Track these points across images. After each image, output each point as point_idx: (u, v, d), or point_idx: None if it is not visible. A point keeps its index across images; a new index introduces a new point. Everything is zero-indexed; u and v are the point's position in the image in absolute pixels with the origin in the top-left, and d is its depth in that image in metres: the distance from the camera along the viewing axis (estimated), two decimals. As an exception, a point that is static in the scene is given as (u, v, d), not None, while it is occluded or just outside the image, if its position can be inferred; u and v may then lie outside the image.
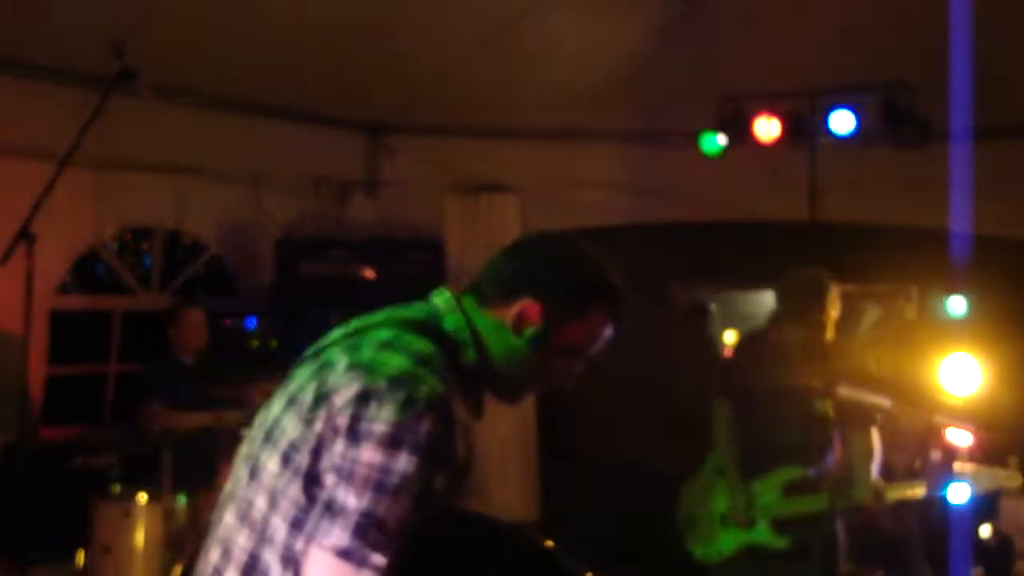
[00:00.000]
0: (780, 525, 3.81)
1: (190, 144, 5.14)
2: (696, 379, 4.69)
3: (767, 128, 5.02)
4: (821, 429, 3.76)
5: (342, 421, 1.43)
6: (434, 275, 5.43)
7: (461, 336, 1.62)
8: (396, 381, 1.45)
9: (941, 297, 5.80)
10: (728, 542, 3.93)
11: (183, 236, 6.04)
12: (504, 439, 5.99)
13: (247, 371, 4.38)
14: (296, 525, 1.41)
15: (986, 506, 4.56)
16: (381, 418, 1.42)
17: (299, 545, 1.41)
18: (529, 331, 1.64)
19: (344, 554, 1.36)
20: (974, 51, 3.94)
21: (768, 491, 3.82)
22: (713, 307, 8.75)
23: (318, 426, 1.44)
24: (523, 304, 1.63)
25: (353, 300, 5.22)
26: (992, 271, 5.38)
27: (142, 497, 4.10)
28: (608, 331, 1.72)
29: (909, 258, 6.11)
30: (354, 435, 1.42)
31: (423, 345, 1.54)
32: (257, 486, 1.47)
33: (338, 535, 1.37)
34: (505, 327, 1.64)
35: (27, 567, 3.87)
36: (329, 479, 1.41)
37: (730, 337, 6.51)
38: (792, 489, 3.78)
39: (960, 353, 4.32)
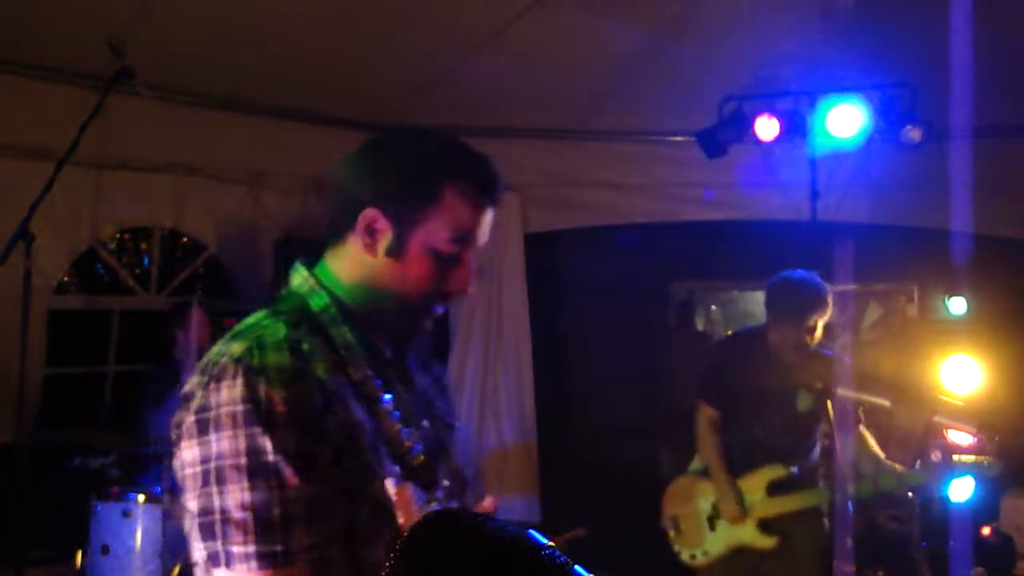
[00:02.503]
0: (765, 524, 3.80)
1: (189, 144, 5.12)
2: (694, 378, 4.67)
3: (767, 128, 5.01)
4: (807, 428, 3.77)
5: (175, 436, 1.40)
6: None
7: (303, 288, 1.50)
8: (203, 371, 1.39)
9: (941, 297, 5.80)
10: (715, 543, 3.92)
11: (182, 236, 6.03)
12: (504, 439, 5.99)
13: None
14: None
15: (987, 506, 4.56)
16: (190, 412, 1.36)
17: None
18: (382, 245, 1.46)
19: (211, 561, 1.31)
20: (974, 51, 3.94)
21: (752, 490, 3.82)
22: (713, 308, 8.76)
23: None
24: (365, 217, 1.45)
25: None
26: (992, 271, 5.37)
27: (141, 498, 4.09)
28: (479, 215, 1.47)
29: (909, 258, 6.12)
30: (178, 442, 1.39)
31: (245, 322, 1.44)
32: None
33: (197, 547, 1.33)
34: (361, 254, 1.47)
35: (25, 567, 3.85)
36: (181, 501, 1.38)
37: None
38: (776, 488, 3.77)
39: (960, 353, 4.32)
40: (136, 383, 4.79)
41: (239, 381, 1.32)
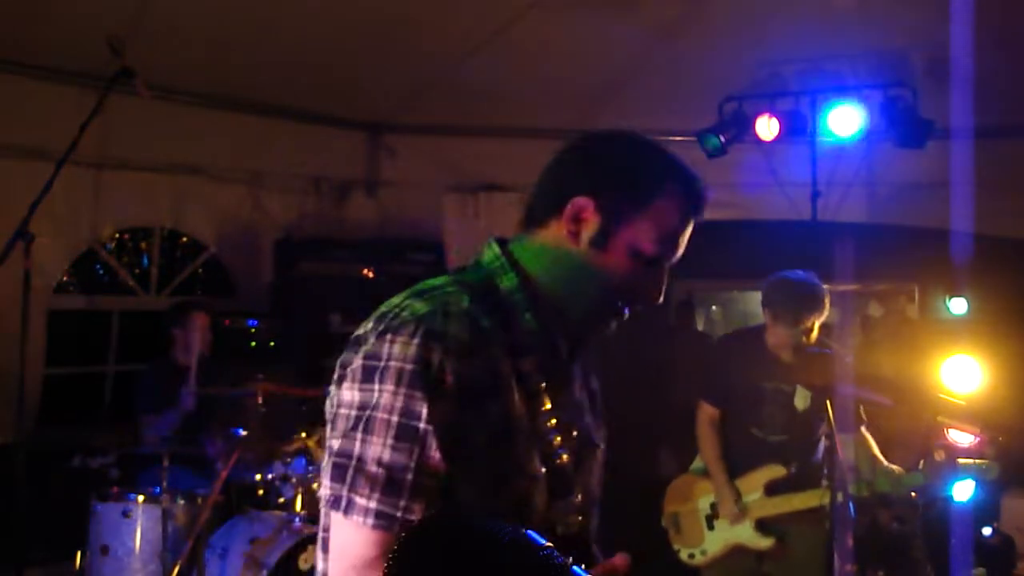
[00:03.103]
0: (763, 525, 3.80)
1: (189, 144, 5.12)
2: (693, 378, 4.68)
3: (767, 128, 5.01)
4: (807, 428, 3.76)
5: (337, 375, 1.40)
6: (434, 275, 5.42)
7: (493, 265, 1.49)
8: (380, 318, 1.38)
9: (942, 297, 5.80)
10: (714, 542, 3.92)
11: (182, 236, 6.03)
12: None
13: (247, 371, 4.36)
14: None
15: (988, 506, 4.55)
16: (359, 356, 1.36)
17: (322, 512, 1.38)
18: (586, 233, 1.44)
19: (331, 503, 1.31)
20: (974, 51, 3.94)
21: (750, 490, 3.81)
22: (713, 308, 8.76)
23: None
24: (574, 204, 1.44)
25: (353, 300, 5.22)
26: (992, 271, 5.37)
27: (140, 498, 4.08)
28: (684, 226, 1.49)
29: (909, 258, 6.12)
30: (339, 381, 1.38)
31: (430, 282, 1.44)
32: None
33: (326, 485, 1.33)
34: (562, 240, 1.45)
35: (25, 568, 3.85)
36: (327, 431, 1.38)
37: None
38: (775, 488, 3.77)
39: (961, 353, 4.31)
40: (134, 391, 4.78)
41: (416, 341, 1.31)
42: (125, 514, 4.02)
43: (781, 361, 3.74)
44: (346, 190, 5.96)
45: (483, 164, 5.72)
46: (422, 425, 1.29)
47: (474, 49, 4.71)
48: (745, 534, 3.83)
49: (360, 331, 1.39)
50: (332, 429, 1.36)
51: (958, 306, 5.38)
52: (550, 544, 0.96)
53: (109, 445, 4.56)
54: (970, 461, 3.73)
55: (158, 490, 4.08)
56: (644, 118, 5.67)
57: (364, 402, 1.32)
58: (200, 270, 6.31)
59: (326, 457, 1.36)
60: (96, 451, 4.51)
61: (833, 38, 4.59)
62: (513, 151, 5.90)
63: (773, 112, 5.00)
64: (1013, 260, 5.64)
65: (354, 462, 1.30)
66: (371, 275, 5.46)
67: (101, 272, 7.43)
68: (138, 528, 4.02)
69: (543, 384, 1.42)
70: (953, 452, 3.73)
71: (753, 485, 3.81)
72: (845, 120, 4.86)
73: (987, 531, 4.59)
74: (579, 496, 1.52)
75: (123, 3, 3.99)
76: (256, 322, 5.25)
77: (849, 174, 5.41)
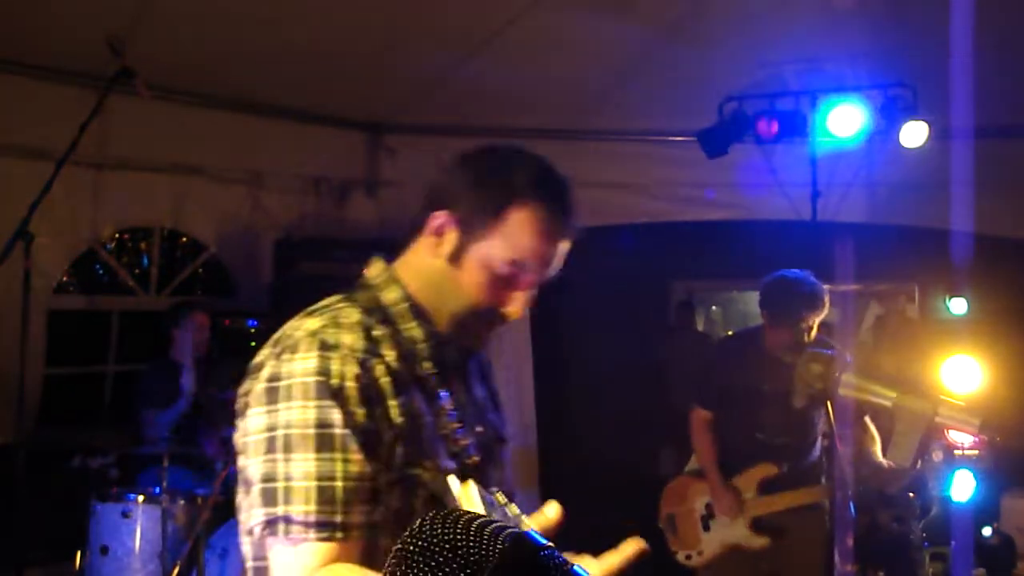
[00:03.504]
0: (757, 524, 3.80)
1: (189, 144, 5.12)
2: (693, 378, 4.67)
3: (767, 128, 5.00)
4: (805, 428, 3.76)
5: (241, 404, 1.42)
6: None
7: (378, 280, 1.53)
8: (276, 343, 1.42)
9: (942, 297, 5.80)
10: (710, 543, 3.92)
11: (182, 236, 6.03)
12: (504, 439, 5.99)
13: (247, 371, 4.36)
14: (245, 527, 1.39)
15: (987, 506, 4.55)
16: (261, 380, 1.38)
17: (248, 543, 1.40)
18: (444, 248, 1.46)
19: (268, 529, 1.32)
20: (974, 51, 3.93)
21: (744, 490, 3.81)
22: (713, 308, 8.76)
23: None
24: (434, 219, 1.46)
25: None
26: (992, 271, 5.37)
27: (140, 498, 4.08)
28: (543, 243, 1.45)
29: (909, 258, 6.12)
30: (244, 410, 1.40)
31: (321, 303, 1.48)
32: None
33: (255, 514, 1.34)
34: (428, 254, 1.49)
35: (25, 568, 3.85)
36: (240, 462, 1.39)
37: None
38: (767, 486, 3.77)
39: (961, 353, 4.31)
40: (134, 389, 4.78)
41: (314, 354, 1.35)
42: (125, 514, 4.03)
43: (779, 362, 3.73)
44: (346, 190, 5.96)
45: (483, 164, 5.71)
46: (338, 431, 1.32)
47: (474, 49, 4.71)
48: (740, 534, 3.83)
49: (258, 359, 1.42)
50: (246, 457, 1.37)
51: (958, 306, 5.38)
52: (550, 544, 0.96)
53: (109, 445, 4.56)
54: (969, 461, 3.74)
55: (158, 490, 4.08)
56: (644, 118, 5.68)
57: (275, 423, 1.34)
58: (200, 270, 6.31)
59: (241, 489, 1.37)
60: (96, 451, 4.50)
61: (833, 38, 4.58)
62: (513, 151, 5.91)
63: (773, 112, 5.00)
64: (1013, 260, 5.64)
65: (281, 483, 1.31)
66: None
67: (101, 272, 7.43)
68: (138, 528, 4.02)
69: (441, 386, 1.47)
70: (953, 452, 3.73)
71: (747, 484, 3.81)
72: (845, 120, 4.85)
73: (987, 531, 4.59)
74: (495, 489, 1.53)
75: (123, 3, 3.99)
76: (256, 322, 5.24)
77: (849, 174, 5.41)
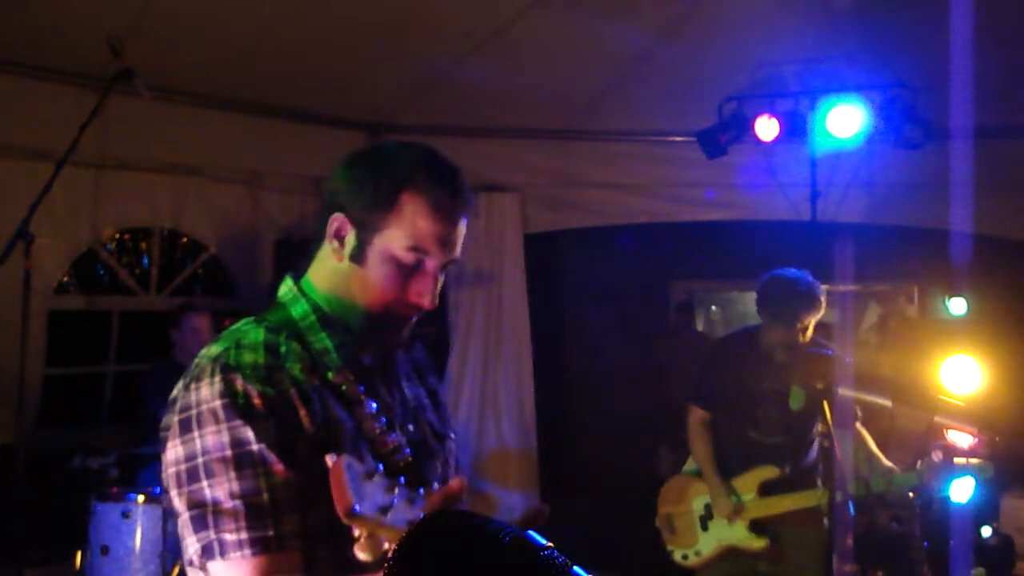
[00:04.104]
0: (757, 525, 3.80)
1: (189, 144, 5.12)
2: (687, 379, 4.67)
3: (767, 128, 5.00)
4: (803, 429, 3.76)
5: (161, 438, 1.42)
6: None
7: (287, 297, 1.53)
8: (186, 375, 1.43)
9: (941, 297, 5.80)
10: (708, 543, 3.92)
11: (182, 236, 6.03)
12: (504, 439, 5.99)
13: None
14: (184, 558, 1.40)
15: (987, 506, 4.55)
16: (174, 412, 1.40)
17: (191, 574, 1.40)
18: (346, 249, 1.47)
19: (205, 554, 1.33)
20: (974, 51, 3.94)
21: (744, 491, 3.81)
22: (713, 308, 8.76)
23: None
24: (332, 222, 1.48)
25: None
26: (992, 271, 5.37)
27: (140, 498, 4.08)
28: (439, 224, 1.45)
29: (909, 258, 6.12)
30: (164, 443, 1.41)
31: (229, 328, 1.49)
32: None
33: (190, 543, 1.35)
34: (331, 259, 1.49)
35: (25, 567, 3.85)
36: (167, 500, 1.40)
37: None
38: (769, 488, 3.77)
39: (960, 354, 4.31)
40: (136, 383, 4.78)
41: (217, 379, 1.37)
42: (125, 514, 4.03)
43: (776, 361, 3.73)
44: (346, 190, 5.95)
45: (483, 164, 5.72)
46: (255, 447, 1.34)
47: (474, 49, 4.71)
48: (739, 535, 3.83)
49: (173, 393, 1.44)
50: (172, 490, 1.39)
51: (958, 306, 5.38)
52: (551, 544, 0.96)
53: (109, 445, 4.56)
54: (968, 461, 3.74)
55: (158, 490, 4.08)
56: (644, 118, 5.68)
57: (191, 452, 1.35)
58: (200, 270, 6.31)
59: (178, 520, 1.39)
60: (96, 451, 4.51)
61: (833, 38, 4.58)
62: (513, 151, 5.91)
63: (773, 112, 5.00)
64: (1013, 260, 5.64)
65: (210, 507, 1.33)
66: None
67: (101, 272, 7.43)
68: (138, 528, 4.02)
69: (362, 394, 1.46)
70: (952, 452, 3.73)
71: (747, 486, 3.80)
72: (845, 120, 4.85)
73: (987, 531, 4.59)
74: (434, 487, 1.52)
75: (123, 3, 3.99)
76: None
77: (849, 175, 5.41)
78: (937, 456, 3.66)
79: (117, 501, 4.09)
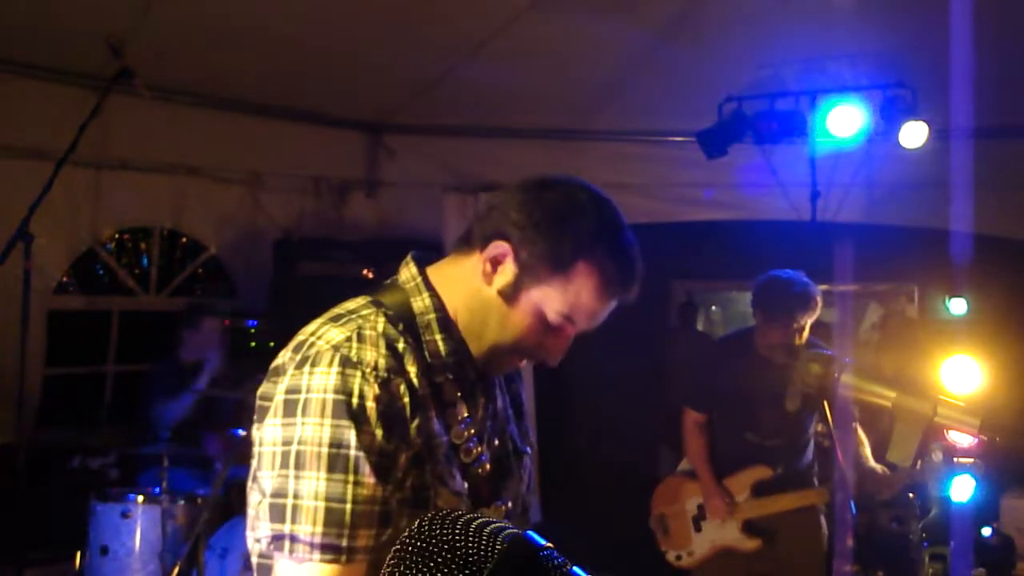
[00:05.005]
0: (749, 526, 3.80)
1: (189, 144, 5.12)
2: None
3: (767, 128, 5.00)
4: (799, 430, 3.76)
5: (259, 408, 1.39)
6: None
7: (408, 284, 1.47)
8: (298, 347, 1.39)
9: (941, 297, 5.80)
10: (701, 543, 3.92)
11: (182, 236, 6.03)
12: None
13: (247, 371, 4.37)
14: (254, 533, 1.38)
15: (987, 507, 4.55)
16: (279, 390, 1.35)
17: (255, 544, 1.38)
18: (499, 280, 1.41)
19: (274, 544, 1.30)
20: (974, 51, 3.93)
21: (737, 492, 3.81)
22: (713, 308, 8.76)
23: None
24: (495, 247, 1.41)
25: (353, 300, 5.21)
26: (992, 271, 5.37)
27: (140, 498, 4.09)
28: (601, 304, 1.43)
29: (909, 258, 6.12)
30: (261, 415, 1.37)
31: (346, 305, 1.44)
32: None
33: (262, 527, 1.33)
34: (477, 277, 1.42)
35: (25, 567, 3.85)
36: (254, 468, 1.37)
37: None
38: (761, 489, 3.76)
39: (960, 354, 4.31)
40: (136, 383, 4.79)
41: (334, 370, 1.32)
42: (125, 514, 4.03)
43: (772, 362, 3.73)
44: (346, 190, 5.96)
45: (483, 164, 5.72)
46: (352, 452, 1.30)
47: (474, 49, 4.71)
48: (731, 536, 3.83)
49: (279, 361, 1.40)
50: (259, 467, 1.35)
51: (958, 306, 5.38)
52: (550, 544, 0.96)
53: (109, 445, 4.57)
54: (968, 461, 3.73)
55: (158, 490, 4.09)
56: (644, 118, 5.68)
57: (289, 437, 1.31)
58: (200, 270, 6.31)
59: (256, 496, 1.35)
60: (96, 451, 4.51)
61: (833, 38, 4.58)
62: (513, 151, 5.91)
63: (773, 112, 5.00)
64: (1013, 260, 5.64)
65: (291, 500, 1.30)
66: (371, 275, 5.46)
67: (101, 272, 7.43)
68: (138, 528, 4.02)
69: (459, 395, 1.43)
70: (952, 452, 3.72)
71: (740, 486, 3.80)
72: (845, 120, 4.85)
73: (987, 531, 4.59)
74: (509, 503, 1.53)
75: (123, 3, 3.99)
76: (256, 322, 5.25)
77: (849, 174, 5.41)
78: (937, 456, 3.66)
79: (117, 501, 4.09)
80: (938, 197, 4.90)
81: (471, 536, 0.94)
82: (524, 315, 1.42)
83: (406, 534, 0.98)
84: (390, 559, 0.96)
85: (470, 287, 1.44)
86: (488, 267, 1.41)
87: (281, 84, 5.07)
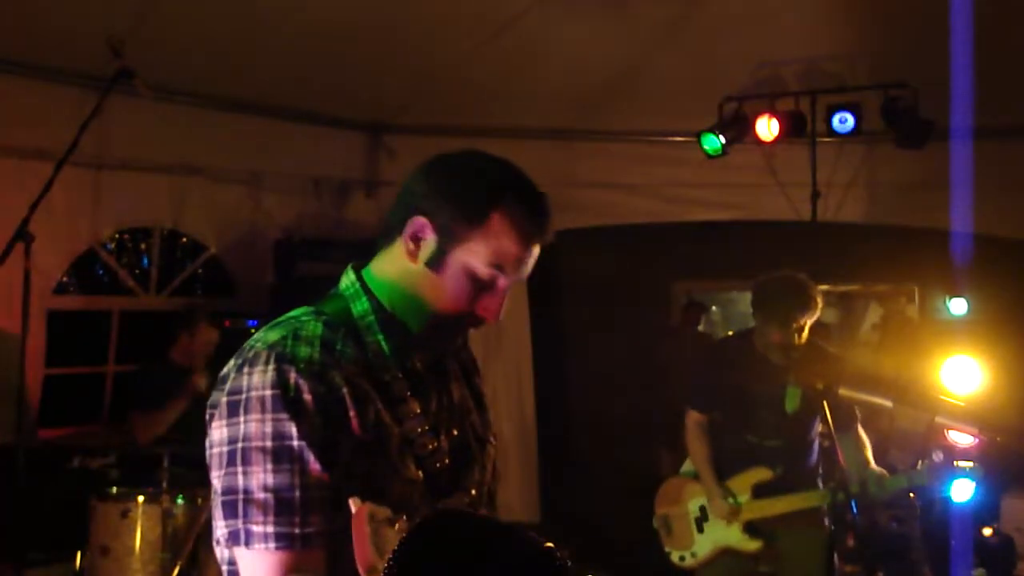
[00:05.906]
0: (751, 527, 3.79)
1: (189, 144, 5.12)
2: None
3: (767, 128, 5.01)
4: (800, 430, 3.75)
5: (208, 416, 1.44)
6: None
7: (348, 292, 1.54)
8: (239, 354, 1.44)
9: (941, 297, 5.80)
10: (704, 544, 3.92)
11: (182, 236, 6.03)
12: (504, 439, 5.99)
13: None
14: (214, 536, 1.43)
15: (987, 507, 4.55)
16: (223, 394, 1.41)
17: (218, 551, 1.43)
18: (423, 253, 1.47)
19: (231, 539, 1.35)
20: (974, 51, 3.94)
21: (738, 493, 3.80)
22: (714, 308, 8.76)
23: None
24: (413, 224, 1.47)
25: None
26: (992, 271, 5.38)
27: (140, 498, 4.08)
28: (523, 248, 1.48)
29: (909, 258, 6.12)
30: (210, 422, 1.43)
31: (288, 314, 1.50)
32: None
33: (219, 525, 1.38)
34: (403, 259, 1.48)
35: (25, 568, 3.85)
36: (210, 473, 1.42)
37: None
38: (762, 490, 3.76)
39: (961, 354, 4.32)
40: (127, 389, 4.77)
41: (271, 367, 1.38)
42: (125, 514, 4.02)
43: (771, 363, 3.72)
44: (346, 190, 5.96)
45: (483, 164, 5.71)
46: (295, 443, 1.35)
47: (474, 49, 4.71)
48: (734, 537, 3.83)
49: (224, 371, 1.45)
50: (212, 470, 1.40)
51: (958, 306, 5.38)
52: (550, 544, 0.96)
53: (109, 445, 4.56)
54: (967, 462, 3.73)
55: (158, 490, 4.08)
56: (644, 118, 5.69)
57: (233, 436, 1.37)
58: (200, 270, 6.30)
59: (213, 499, 1.41)
60: (96, 451, 4.50)
61: (833, 38, 4.59)
62: (513, 151, 5.88)
63: (773, 112, 5.01)
64: (1013, 260, 5.64)
65: (241, 495, 1.35)
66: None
67: (101, 272, 7.42)
68: (138, 528, 4.02)
69: (408, 392, 1.47)
70: (953, 453, 3.73)
71: (741, 488, 3.80)
72: (845, 120, 4.85)
73: (987, 531, 4.59)
74: (473, 491, 1.56)
75: (123, 3, 3.99)
76: (256, 322, 5.24)
77: (849, 174, 5.41)
78: (938, 456, 3.66)
79: (117, 501, 4.09)
80: (938, 197, 4.90)
81: (471, 535, 0.94)
82: (455, 279, 1.47)
83: (407, 535, 0.98)
84: (394, 552, 0.96)
85: (400, 271, 1.50)
86: (411, 244, 1.47)
87: (281, 84, 5.07)
